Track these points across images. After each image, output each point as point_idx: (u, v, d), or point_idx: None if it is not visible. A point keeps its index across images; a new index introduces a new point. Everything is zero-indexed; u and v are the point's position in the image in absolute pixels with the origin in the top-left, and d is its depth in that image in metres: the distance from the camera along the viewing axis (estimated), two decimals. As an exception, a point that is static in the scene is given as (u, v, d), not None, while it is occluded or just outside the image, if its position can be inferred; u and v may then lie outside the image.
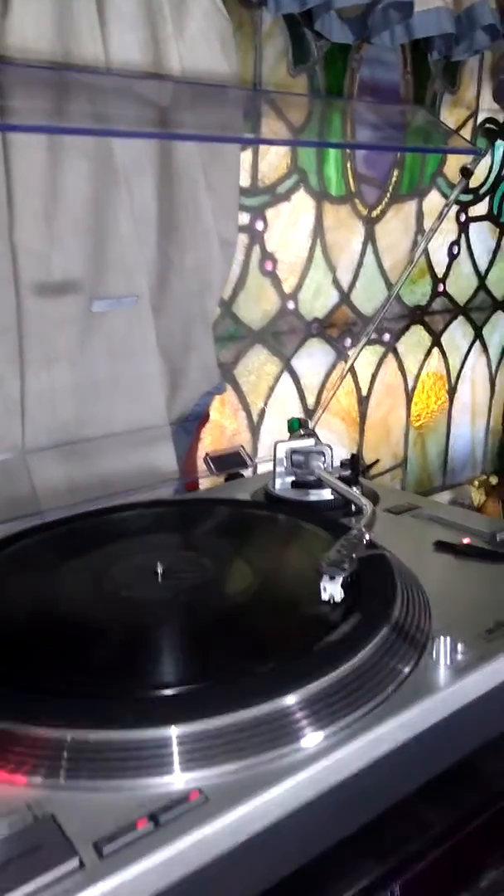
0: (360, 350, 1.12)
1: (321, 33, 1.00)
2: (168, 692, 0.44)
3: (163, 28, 0.75)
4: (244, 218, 1.00)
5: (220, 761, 0.40)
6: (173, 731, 0.41)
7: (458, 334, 1.40)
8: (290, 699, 0.44)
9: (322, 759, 0.41)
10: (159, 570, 0.60)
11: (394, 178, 1.19)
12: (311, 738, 0.42)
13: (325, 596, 0.53)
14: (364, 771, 0.44)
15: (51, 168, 0.74)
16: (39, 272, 0.77)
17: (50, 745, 0.41)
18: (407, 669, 0.49)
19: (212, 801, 0.38)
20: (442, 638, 0.49)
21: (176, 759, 0.40)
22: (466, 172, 0.78)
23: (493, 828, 0.53)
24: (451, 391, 1.43)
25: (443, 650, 0.49)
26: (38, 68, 0.70)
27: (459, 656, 0.49)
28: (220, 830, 0.37)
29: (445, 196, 1.26)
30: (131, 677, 0.47)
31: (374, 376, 1.27)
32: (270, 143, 0.96)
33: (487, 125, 1.30)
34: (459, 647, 0.49)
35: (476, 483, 1.50)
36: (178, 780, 0.40)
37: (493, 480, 1.50)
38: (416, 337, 1.32)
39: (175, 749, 0.40)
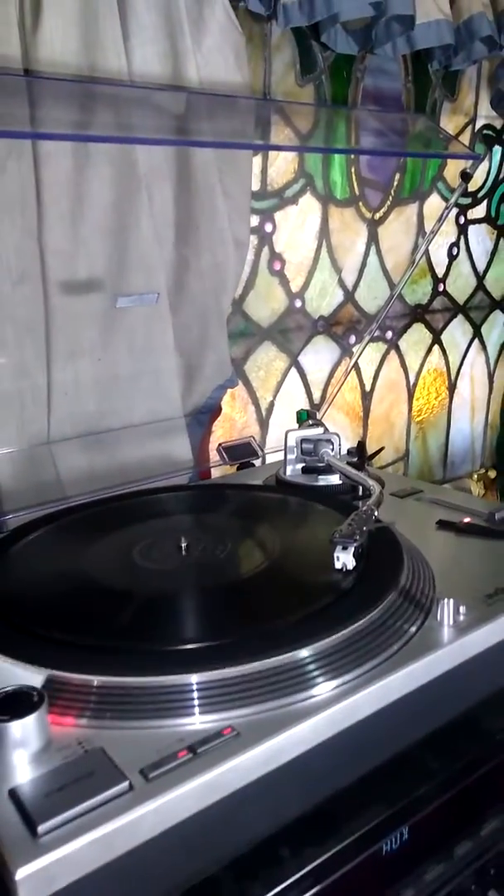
0: (364, 347, 1.17)
1: (327, 45, 1.05)
2: (203, 644, 0.49)
3: (182, 42, 0.80)
4: (254, 220, 1.06)
5: (249, 703, 0.45)
6: (209, 676, 0.46)
7: (457, 332, 1.45)
8: (309, 651, 0.49)
9: (338, 702, 0.46)
10: (184, 545, 0.65)
11: (395, 182, 1.24)
12: (328, 685, 0.47)
13: (338, 564, 0.58)
14: (375, 716, 0.49)
15: (77, 174, 0.79)
16: (66, 271, 0.82)
17: (97, 691, 0.46)
18: (413, 629, 0.53)
19: (243, 735, 0.43)
20: (445, 600, 0.54)
21: (210, 700, 0.45)
22: (466, 176, 0.83)
23: (495, 778, 0.58)
24: (451, 387, 1.48)
25: (446, 611, 0.53)
26: (66, 81, 0.75)
27: (461, 617, 0.54)
28: (249, 760, 0.42)
29: (445, 199, 1.31)
30: (164, 634, 0.52)
31: (377, 372, 1.32)
32: (280, 149, 1.01)
33: (485, 131, 1.36)
34: (461, 608, 0.54)
35: (475, 476, 1.55)
36: (212, 718, 0.44)
37: (492, 474, 1.55)
38: (418, 335, 1.38)
39: (209, 692, 0.45)
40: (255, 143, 0.90)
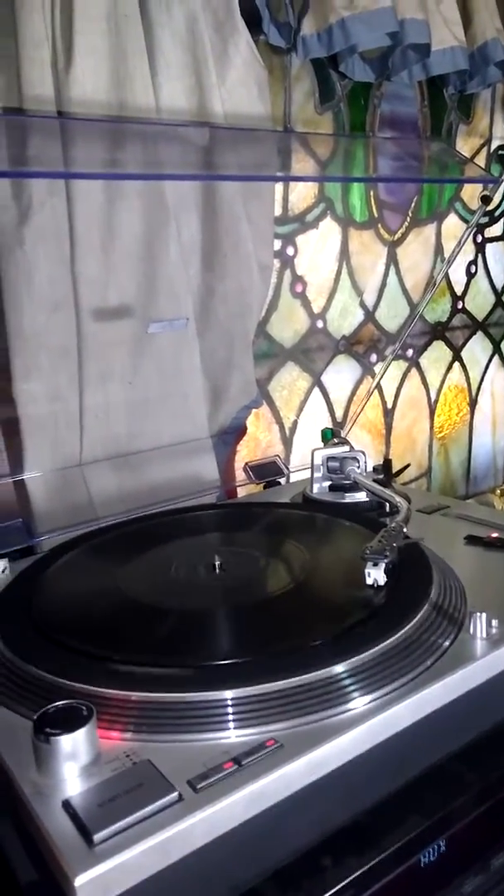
0: (387, 367, 1.19)
1: (345, 74, 1.08)
2: (243, 660, 0.51)
3: (207, 77, 0.83)
4: (276, 244, 1.08)
5: (289, 716, 0.46)
6: (250, 691, 0.47)
7: (477, 349, 1.47)
8: (346, 666, 0.50)
9: (376, 715, 0.48)
10: (217, 563, 0.67)
11: (413, 204, 1.26)
12: (366, 699, 0.48)
13: (369, 581, 0.60)
14: (412, 729, 0.50)
15: (108, 206, 0.82)
16: (97, 299, 0.84)
17: (143, 706, 0.47)
18: (447, 643, 0.55)
19: (286, 747, 0.44)
20: (478, 614, 0.55)
21: (251, 714, 0.46)
22: (486, 200, 0.85)
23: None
24: (472, 403, 1.49)
25: (479, 625, 0.55)
26: (96, 121, 0.78)
27: (494, 630, 0.55)
28: (293, 771, 0.44)
29: (463, 219, 1.33)
30: (206, 650, 0.53)
31: (398, 390, 1.34)
32: (301, 180, 1.03)
33: (500, 152, 1.38)
34: (494, 622, 0.55)
35: (498, 492, 1.55)
36: (253, 731, 0.46)
37: (515, 489, 1.56)
38: (438, 352, 1.39)
39: (250, 706, 0.47)
40: (276, 175, 0.93)
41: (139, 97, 0.80)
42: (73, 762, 0.43)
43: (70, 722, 0.44)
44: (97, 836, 0.38)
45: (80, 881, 0.36)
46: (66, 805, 0.41)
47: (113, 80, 0.79)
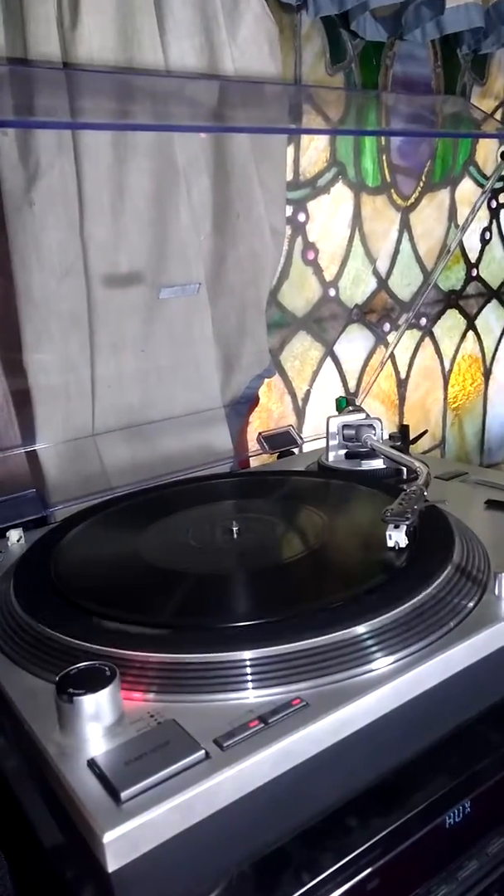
0: (401, 336, 1.17)
1: (356, 33, 1.05)
2: (268, 620, 0.50)
3: (217, 34, 0.81)
4: (287, 210, 1.06)
5: (314, 675, 0.46)
6: (275, 651, 0.47)
7: (491, 317, 1.45)
8: (370, 626, 0.49)
9: (401, 674, 0.47)
10: (235, 528, 0.66)
11: (427, 168, 1.24)
12: (390, 658, 0.48)
13: (390, 543, 0.59)
14: (437, 689, 0.49)
15: (117, 167, 0.80)
16: (107, 264, 0.83)
17: (168, 666, 0.47)
18: (471, 604, 0.54)
19: (312, 706, 0.44)
20: (502, 574, 0.54)
21: (276, 673, 0.46)
22: (505, 156, 0.83)
23: None
24: (487, 373, 1.47)
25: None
26: (104, 73, 0.76)
27: (519, 590, 0.54)
28: (319, 729, 0.43)
29: (478, 183, 1.31)
30: (230, 611, 0.53)
31: (411, 360, 1.32)
32: (314, 132, 1.01)
33: (515, 114, 1.35)
34: (519, 582, 0.54)
35: (512, 462, 1.54)
36: (278, 691, 0.45)
37: (529, 459, 1.54)
38: (452, 321, 1.37)
39: (275, 665, 0.46)
40: (288, 127, 0.91)
41: (147, 56, 0.78)
42: (97, 722, 0.42)
43: (93, 682, 0.43)
44: (125, 794, 0.37)
45: (108, 838, 0.35)
46: (92, 764, 0.40)
47: (120, 39, 0.77)
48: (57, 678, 0.43)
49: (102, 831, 0.36)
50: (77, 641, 0.50)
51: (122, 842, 0.36)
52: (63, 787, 0.39)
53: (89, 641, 0.50)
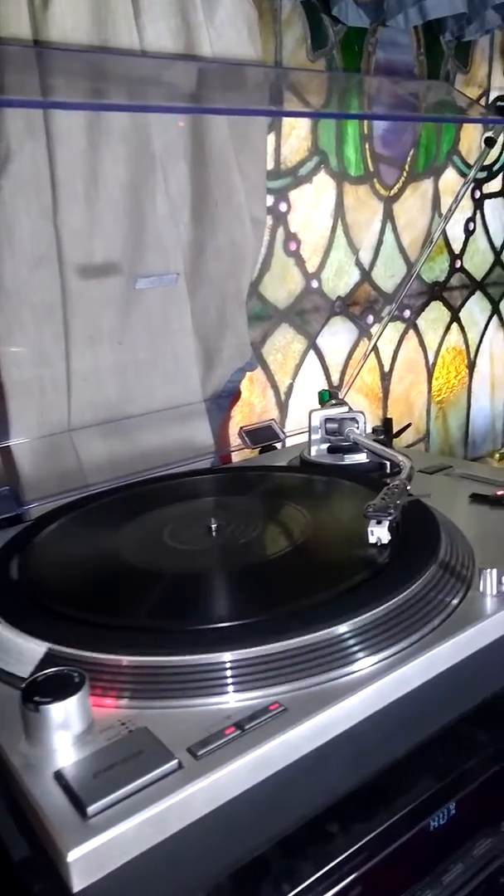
0: (384, 328, 1.15)
1: (338, 18, 1.03)
2: (245, 621, 0.48)
3: (194, 15, 0.78)
4: (268, 200, 1.04)
5: (293, 678, 0.44)
6: (252, 653, 0.45)
7: (475, 309, 1.43)
8: (352, 625, 0.48)
9: (384, 675, 0.45)
10: (213, 526, 0.64)
11: (410, 157, 1.22)
12: (373, 659, 0.46)
13: (372, 539, 0.57)
14: (421, 689, 0.47)
15: (91, 152, 0.78)
16: (82, 254, 0.81)
17: (138, 671, 0.45)
18: (455, 601, 0.52)
19: (290, 711, 0.42)
20: (488, 570, 0.52)
21: (253, 677, 0.44)
22: (490, 142, 0.81)
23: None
24: (471, 365, 1.46)
25: (489, 581, 0.52)
26: (78, 52, 0.74)
27: (504, 587, 0.52)
28: (298, 735, 0.41)
29: (461, 173, 1.29)
30: (205, 612, 0.51)
31: (395, 352, 1.31)
32: (296, 114, 0.99)
33: (499, 102, 1.33)
34: (504, 578, 0.53)
35: (497, 455, 1.53)
36: (256, 695, 0.43)
37: (514, 452, 1.53)
38: (436, 313, 1.36)
39: (252, 668, 0.44)
40: (269, 109, 0.88)
41: (122, 37, 0.76)
42: (65, 731, 0.40)
43: (61, 689, 0.41)
44: (91, 808, 0.35)
45: (73, 856, 0.33)
46: (59, 776, 0.38)
47: (93, 19, 0.75)
48: (23, 685, 0.41)
49: (66, 849, 0.34)
50: (46, 644, 0.48)
51: (88, 860, 0.34)
52: (28, 801, 0.37)
53: (58, 644, 0.47)
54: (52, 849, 0.35)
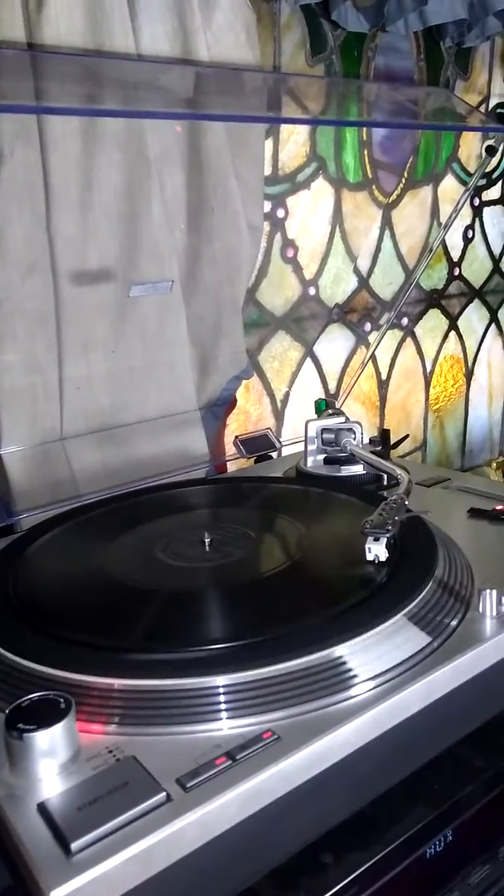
0: (382, 336, 1.14)
1: (338, 23, 1.02)
2: (236, 644, 0.47)
3: (191, 19, 0.77)
4: (266, 206, 1.03)
5: (287, 705, 0.43)
6: (243, 677, 0.43)
7: (474, 317, 1.42)
8: (347, 648, 0.46)
9: (380, 702, 0.44)
10: (207, 541, 0.62)
11: (409, 164, 1.21)
12: (369, 684, 0.45)
13: (370, 556, 0.56)
14: (418, 715, 0.46)
15: (85, 159, 0.76)
16: (76, 261, 0.79)
17: (126, 695, 0.43)
18: (454, 622, 0.51)
19: (283, 740, 0.40)
20: (487, 591, 0.51)
21: (246, 703, 0.42)
22: (491, 150, 0.80)
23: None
24: (469, 374, 1.45)
25: (488, 602, 0.51)
26: (72, 56, 0.72)
27: (504, 608, 0.51)
28: (291, 766, 0.40)
29: (460, 180, 1.28)
30: (195, 634, 0.49)
31: (393, 360, 1.30)
32: (294, 121, 0.97)
33: (499, 110, 1.32)
34: (504, 599, 0.51)
35: (494, 465, 1.52)
36: (248, 722, 0.42)
37: (511, 462, 1.52)
38: (434, 321, 1.35)
39: (245, 693, 0.43)
40: (266, 115, 0.87)
41: (117, 41, 0.74)
42: (51, 759, 0.39)
43: (46, 716, 0.39)
44: (75, 845, 0.34)
45: (54, 897, 0.32)
46: (42, 809, 0.37)
47: (89, 22, 0.73)
48: (7, 711, 0.40)
49: (49, 888, 0.32)
50: (31, 664, 0.46)
51: (71, 901, 0.32)
52: (10, 834, 0.36)
53: (44, 665, 0.46)
54: (33, 886, 0.33)
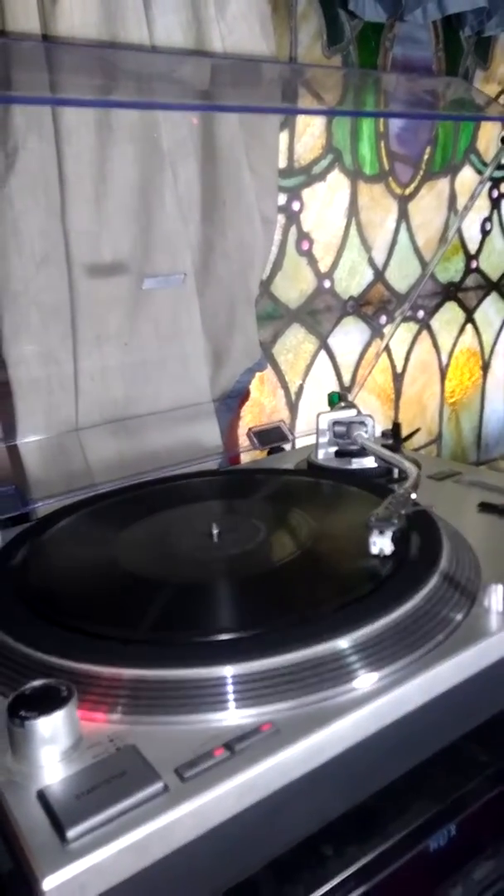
0: (396, 328, 1.14)
1: (354, 13, 1.01)
2: (238, 635, 0.47)
3: (205, 10, 0.77)
4: (281, 199, 1.02)
5: (288, 697, 0.43)
6: (245, 668, 0.43)
7: (491, 310, 1.41)
8: (350, 641, 0.46)
9: (382, 695, 0.44)
10: (215, 532, 0.63)
11: (426, 156, 1.20)
12: (371, 677, 0.45)
13: (374, 550, 0.56)
14: (421, 709, 0.46)
15: (100, 152, 0.76)
16: (90, 254, 0.80)
17: (129, 684, 0.44)
18: (459, 617, 0.51)
19: (282, 732, 0.41)
20: (493, 586, 0.51)
21: (247, 694, 0.43)
22: (506, 142, 0.79)
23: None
24: (485, 367, 1.44)
25: (494, 597, 0.50)
26: (87, 47, 0.72)
27: (511, 604, 0.51)
28: (290, 758, 0.40)
29: (478, 171, 1.27)
30: (198, 625, 0.49)
31: (408, 353, 1.29)
32: (310, 112, 0.97)
33: (519, 100, 1.30)
34: (511, 595, 0.51)
35: (511, 459, 1.51)
36: (249, 713, 0.42)
37: (529, 456, 1.51)
38: (450, 313, 1.33)
39: (246, 685, 0.43)
40: (281, 107, 0.86)
41: (131, 32, 0.74)
42: (52, 746, 0.39)
43: (48, 703, 0.40)
44: (71, 833, 0.34)
45: (49, 883, 0.32)
46: (41, 796, 0.37)
47: (103, 14, 0.73)
48: (10, 698, 0.40)
49: (43, 875, 0.33)
50: (35, 652, 0.47)
51: (66, 887, 0.33)
52: (9, 821, 0.36)
53: (47, 653, 0.46)
54: (29, 873, 0.34)
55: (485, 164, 1.27)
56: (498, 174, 1.34)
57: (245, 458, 1.03)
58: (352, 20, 1.04)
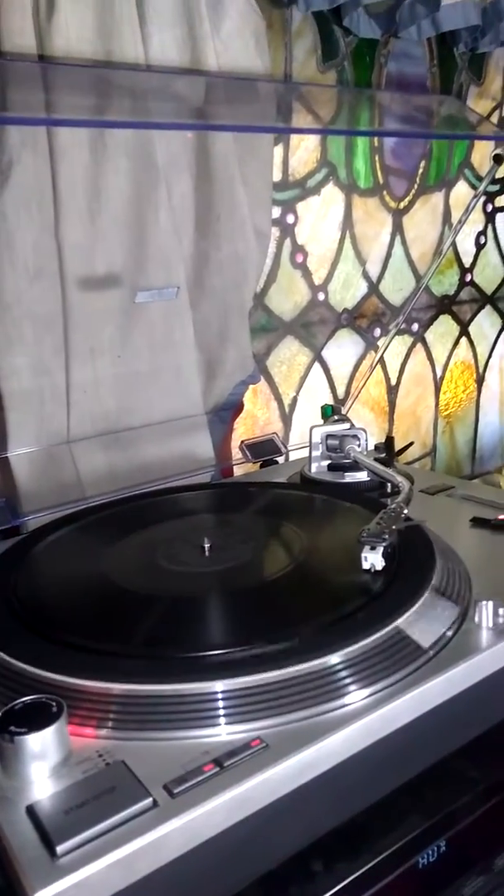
0: (390, 341, 1.14)
1: (349, 29, 1.02)
2: (228, 651, 0.47)
3: (200, 26, 0.78)
4: (275, 212, 1.03)
5: (277, 713, 0.43)
6: (234, 684, 0.43)
7: (485, 323, 1.42)
8: (340, 657, 0.46)
9: (372, 711, 0.44)
10: (207, 546, 0.63)
11: (421, 170, 1.21)
12: (361, 693, 0.45)
13: (366, 565, 0.56)
14: (411, 725, 0.46)
15: (94, 167, 0.77)
16: (83, 267, 0.80)
17: (118, 699, 0.44)
18: (450, 633, 0.51)
19: (272, 747, 0.41)
20: (484, 602, 0.51)
21: (236, 710, 0.43)
22: (499, 159, 0.80)
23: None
24: (480, 380, 1.44)
25: (485, 613, 0.51)
26: (81, 66, 0.73)
27: (501, 619, 0.51)
28: (279, 774, 0.40)
29: (472, 186, 1.28)
30: (188, 640, 0.49)
31: (402, 366, 1.29)
32: (303, 132, 0.98)
33: (512, 116, 1.32)
34: (501, 610, 0.51)
35: (504, 471, 1.51)
36: (238, 729, 0.42)
37: (522, 469, 1.51)
38: (445, 326, 1.34)
39: (235, 701, 0.43)
40: (275, 126, 0.87)
41: (127, 48, 0.75)
42: (41, 762, 0.39)
43: (38, 719, 0.40)
44: (60, 848, 0.34)
45: (37, 900, 0.32)
46: (31, 811, 0.37)
47: (98, 30, 0.74)
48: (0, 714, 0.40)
49: (33, 890, 0.33)
50: (25, 666, 0.47)
51: (54, 904, 0.33)
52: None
53: (37, 667, 0.46)
54: (19, 888, 0.34)
55: (479, 179, 1.28)
56: (492, 188, 1.35)
57: (238, 471, 1.03)
58: (346, 36, 1.05)
